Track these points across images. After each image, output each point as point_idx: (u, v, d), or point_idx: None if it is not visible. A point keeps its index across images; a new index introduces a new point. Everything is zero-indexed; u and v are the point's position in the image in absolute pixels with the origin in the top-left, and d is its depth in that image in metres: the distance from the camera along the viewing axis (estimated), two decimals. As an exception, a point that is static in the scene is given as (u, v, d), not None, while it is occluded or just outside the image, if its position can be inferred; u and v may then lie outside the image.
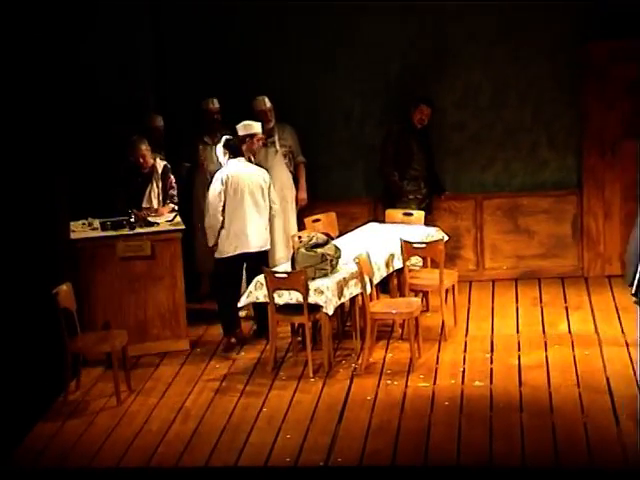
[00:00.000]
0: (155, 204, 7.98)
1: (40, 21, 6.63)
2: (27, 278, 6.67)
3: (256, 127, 7.81)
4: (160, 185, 7.96)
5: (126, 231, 7.52)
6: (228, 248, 7.57)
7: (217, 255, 7.62)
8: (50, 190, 6.96)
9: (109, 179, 7.79)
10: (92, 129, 7.87)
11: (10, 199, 6.52)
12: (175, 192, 8.04)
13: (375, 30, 8.78)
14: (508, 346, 7.48)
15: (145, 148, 7.86)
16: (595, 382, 6.76)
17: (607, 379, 6.81)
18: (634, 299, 6.42)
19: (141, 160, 7.85)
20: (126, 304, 7.52)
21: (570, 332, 7.73)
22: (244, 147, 7.68)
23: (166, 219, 7.78)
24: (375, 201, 8.92)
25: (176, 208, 7.99)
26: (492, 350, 7.42)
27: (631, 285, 6.33)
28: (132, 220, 7.54)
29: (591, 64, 8.60)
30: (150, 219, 7.71)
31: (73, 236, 7.47)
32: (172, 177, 8.04)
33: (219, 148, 7.63)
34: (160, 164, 7.97)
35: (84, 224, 7.65)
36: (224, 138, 7.65)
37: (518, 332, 7.79)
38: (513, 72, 8.77)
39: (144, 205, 7.93)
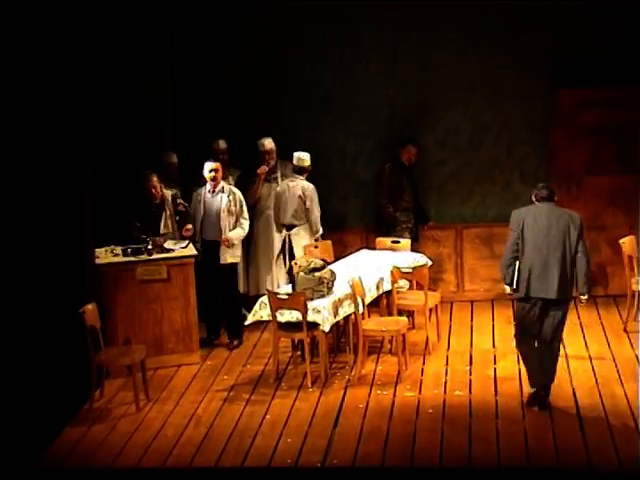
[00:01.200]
0: (171, 228, 7.96)
1: (67, 67, 6.68)
2: (57, 299, 6.72)
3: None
4: (173, 211, 7.98)
5: (144, 257, 7.55)
6: None
7: None
8: (78, 221, 7.02)
9: (125, 211, 7.84)
10: (114, 166, 7.92)
11: (43, 230, 6.58)
12: (188, 209, 8.04)
13: (367, 78, 8.91)
14: (485, 359, 7.52)
15: (156, 180, 7.86)
16: (562, 392, 6.80)
17: (573, 389, 6.86)
18: (511, 292, 6.57)
19: (153, 191, 7.84)
20: (144, 322, 7.56)
21: (540, 347, 7.85)
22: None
23: (180, 246, 7.83)
24: (367, 230, 8.96)
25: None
26: (471, 363, 7.46)
27: (510, 283, 6.55)
28: (149, 247, 7.59)
29: (559, 109, 8.70)
30: (166, 246, 7.74)
31: (98, 261, 7.50)
32: (181, 200, 8.01)
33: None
34: (168, 194, 7.98)
35: (107, 251, 7.67)
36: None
37: (494, 347, 7.83)
38: (489, 116, 8.89)
39: (162, 231, 7.95)
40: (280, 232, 8.34)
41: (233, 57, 8.88)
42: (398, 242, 8.43)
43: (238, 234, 7.99)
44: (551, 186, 6.74)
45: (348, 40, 8.88)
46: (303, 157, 8.29)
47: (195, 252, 7.77)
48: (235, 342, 8.01)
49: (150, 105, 8.49)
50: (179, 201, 7.99)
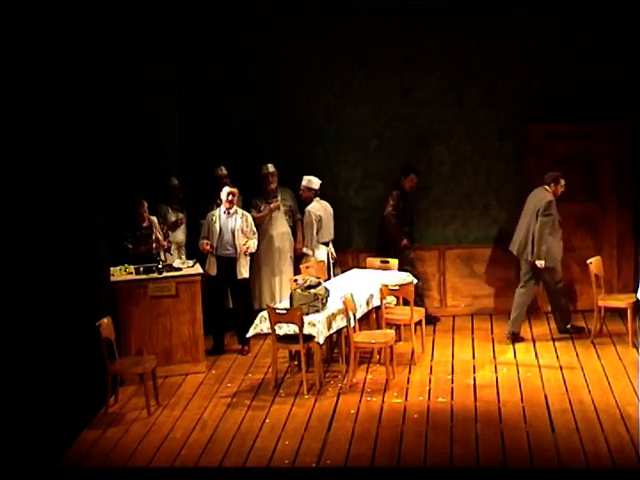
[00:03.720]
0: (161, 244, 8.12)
1: (81, 99, 6.73)
2: (76, 313, 6.77)
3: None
4: (160, 232, 8.12)
5: (155, 275, 7.60)
6: None
7: None
8: (94, 242, 7.05)
9: (119, 233, 7.82)
10: (127, 192, 8.02)
11: (63, 250, 6.62)
12: (168, 232, 8.23)
13: (358, 113, 8.98)
14: (465, 369, 7.54)
15: (146, 206, 7.99)
16: (535, 398, 6.85)
17: (545, 396, 6.90)
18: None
19: (144, 215, 7.98)
20: (155, 334, 7.59)
21: (515, 358, 7.81)
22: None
23: (187, 265, 7.90)
24: (357, 251, 9.01)
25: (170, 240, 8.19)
26: (452, 372, 7.47)
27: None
28: (160, 266, 7.65)
29: (530, 142, 8.79)
30: (175, 265, 7.82)
31: (113, 279, 7.52)
32: (162, 224, 8.18)
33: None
34: (153, 218, 8.09)
35: (121, 269, 7.70)
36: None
37: (474, 358, 7.85)
38: (469, 147, 8.97)
39: (154, 250, 8.06)
40: (312, 250, 8.39)
41: (236, 94, 8.91)
42: (387, 262, 8.47)
43: (254, 245, 8.12)
44: (551, 173, 7.99)
45: (341, 78, 8.98)
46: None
47: (201, 270, 7.84)
48: (246, 348, 8.10)
49: (160, 137, 8.57)
50: (167, 239, 8.17)
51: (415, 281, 8.18)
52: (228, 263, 8.07)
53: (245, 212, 8.20)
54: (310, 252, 8.36)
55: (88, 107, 6.84)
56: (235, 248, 8.03)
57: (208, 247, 8.04)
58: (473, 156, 8.98)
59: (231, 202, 8.06)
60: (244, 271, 8.09)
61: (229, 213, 8.07)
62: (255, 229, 8.18)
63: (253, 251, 8.13)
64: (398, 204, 8.61)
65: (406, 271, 8.35)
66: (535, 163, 8.85)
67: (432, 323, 8.68)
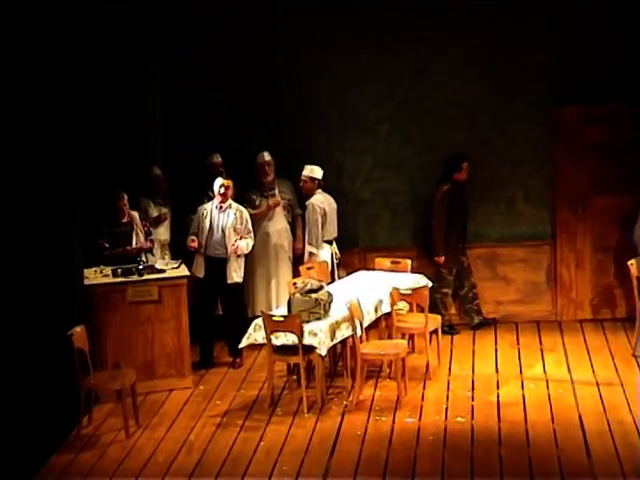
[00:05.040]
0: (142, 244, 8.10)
1: (52, 80, 6.68)
2: (45, 321, 6.72)
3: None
4: (141, 229, 8.11)
5: (135, 278, 7.58)
6: None
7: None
8: (66, 240, 7.04)
9: (93, 230, 7.82)
10: (102, 184, 7.99)
11: (29, 249, 6.57)
12: (150, 230, 8.23)
13: (365, 95, 8.97)
14: (488, 385, 7.53)
15: (126, 199, 7.96)
16: (568, 418, 6.80)
17: (579, 416, 6.85)
18: None
19: (124, 209, 7.95)
20: (135, 345, 7.58)
21: (545, 372, 7.78)
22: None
23: (172, 266, 7.87)
24: (364, 250, 9.01)
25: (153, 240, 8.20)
26: (473, 388, 7.47)
27: None
28: (140, 268, 7.61)
29: (563, 126, 8.74)
30: (157, 266, 7.79)
31: (87, 282, 7.52)
32: (143, 221, 8.18)
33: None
34: (135, 213, 8.11)
35: (96, 271, 7.70)
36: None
37: (497, 372, 7.84)
38: (491, 134, 8.92)
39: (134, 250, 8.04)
40: (318, 248, 8.38)
41: (227, 74, 8.92)
42: (398, 262, 8.46)
43: (245, 245, 8.05)
44: None
45: (345, 57, 8.94)
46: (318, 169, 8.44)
47: (188, 272, 7.81)
48: (238, 360, 8.10)
49: (140, 121, 8.52)
50: (149, 238, 8.16)
51: (430, 284, 8.15)
52: (218, 264, 8.04)
53: (241, 207, 8.16)
54: (316, 250, 8.35)
55: (56, 85, 6.82)
56: (226, 248, 8.01)
57: (194, 244, 8.00)
58: (497, 143, 8.95)
59: (224, 195, 8.03)
60: (235, 275, 8.07)
61: (222, 208, 8.04)
62: (251, 227, 8.15)
63: (245, 252, 8.12)
64: (450, 204, 8.55)
65: (440, 291, 8.50)
66: (568, 150, 8.82)
67: (491, 324, 8.65)
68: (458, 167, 8.60)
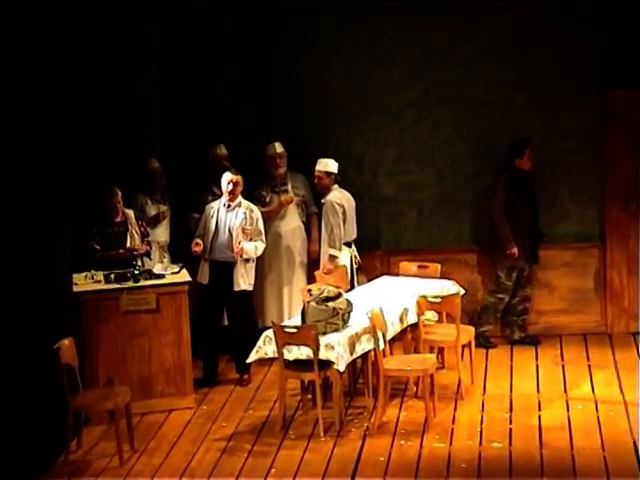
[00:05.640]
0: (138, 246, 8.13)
1: (34, 57, 6.70)
2: (28, 332, 6.73)
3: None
4: (139, 231, 8.15)
5: (130, 284, 7.59)
6: None
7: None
8: (52, 242, 7.05)
9: (83, 230, 7.88)
10: (94, 181, 8.04)
11: (11, 250, 6.59)
12: (147, 231, 8.27)
13: (389, 77, 8.97)
14: (528, 406, 7.49)
15: (120, 196, 8.00)
16: (621, 445, 6.75)
17: (634, 442, 6.79)
18: None
19: (117, 207, 7.98)
20: (130, 359, 7.58)
21: (593, 392, 7.74)
22: None
23: (172, 271, 7.88)
24: (388, 253, 9.03)
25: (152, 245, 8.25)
26: (511, 410, 7.43)
27: None
28: (136, 273, 7.63)
29: (613, 113, 8.70)
30: (155, 271, 7.82)
31: (75, 289, 7.53)
32: (140, 220, 8.23)
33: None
34: (130, 211, 8.15)
35: (87, 276, 7.71)
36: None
37: (538, 391, 7.80)
38: (532, 121, 8.88)
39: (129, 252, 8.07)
40: (340, 250, 8.38)
41: (231, 56, 8.94)
42: (426, 267, 8.46)
43: (252, 248, 8.05)
44: None
45: (367, 34, 8.93)
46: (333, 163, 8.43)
47: (189, 278, 7.84)
48: (246, 377, 8.13)
49: (136, 109, 8.53)
50: (145, 240, 8.19)
51: (462, 291, 8.14)
52: (224, 270, 8.06)
53: (252, 206, 8.18)
54: (338, 253, 8.36)
55: (43, 68, 6.84)
56: (233, 251, 8.02)
57: (199, 248, 8.01)
58: (538, 131, 8.90)
59: (232, 193, 8.04)
60: (242, 281, 8.08)
61: (230, 207, 8.05)
62: (262, 228, 8.17)
63: (253, 256, 8.11)
64: (510, 196, 8.51)
65: (495, 296, 8.50)
66: (619, 140, 8.76)
67: (533, 343, 8.63)
68: (520, 153, 8.53)
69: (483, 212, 8.94)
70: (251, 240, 8.07)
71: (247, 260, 8.06)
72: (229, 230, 8.04)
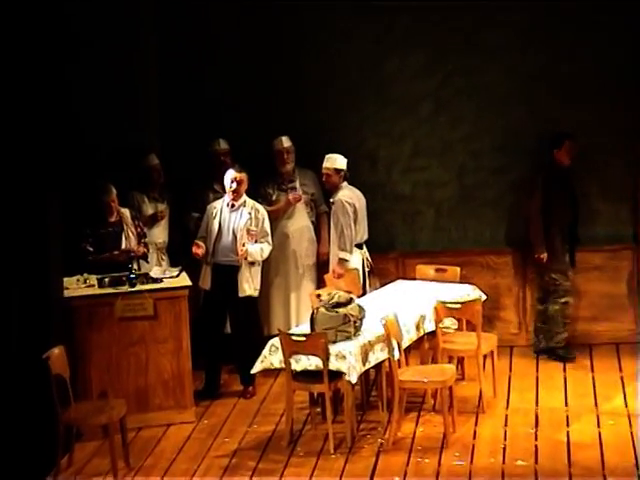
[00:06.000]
0: (134, 248, 8.16)
1: (19, 40, 6.72)
2: (15, 341, 6.73)
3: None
4: (135, 232, 8.17)
5: (126, 288, 7.60)
6: None
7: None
8: (41, 243, 7.04)
9: (76, 231, 7.91)
10: (87, 178, 8.06)
11: None
12: (144, 231, 8.28)
13: (405, 65, 8.96)
14: (555, 421, 7.49)
15: (115, 194, 8.02)
16: None
17: None
18: None
19: (112, 205, 8.01)
20: (125, 370, 7.59)
21: (626, 405, 7.71)
22: None
23: (171, 275, 7.89)
24: (403, 255, 9.04)
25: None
26: (537, 425, 7.43)
27: None
28: (132, 276, 7.63)
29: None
30: (153, 275, 7.82)
31: (67, 294, 7.53)
32: (138, 221, 8.28)
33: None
34: (125, 210, 8.18)
35: (79, 280, 7.73)
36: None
37: (566, 405, 7.80)
38: (561, 114, 8.84)
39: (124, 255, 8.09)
40: (351, 253, 8.37)
41: (234, 42, 8.94)
42: (445, 270, 8.46)
43: (258, 250, 8.05)
44: None
45: (381, 20, 8.89)
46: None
47: (189, 282, 7.85)
48: (251, 389, 8.16)
49: (132, 100, 8.54)
50: (142, 241, 8.21)
51: (484, 297, 8.14)
52: (228, 273, 8.06)
53: (258, 205, 8.21)
54: (349, 256, 8.37)
55: (30, 54, 6.81)
56: (237, 254, 8.03)
57: (199, 250, 8.01)
58: (566, 124, 8.82)
59: (236, 192, 8.04)
60: (247, 286, 8.08)
61: (234, 206, 8.07)
62: (269, 229, 8.19)
63: (258, 259, 8.12)
64: (548, 192, 8.50)
65: (557, 302, 8.50)
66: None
67: (564, 359, 8.59)
68: (559, 143, 8.51)
69: (506, 211, 8.95)
70: (257, 242, 8.07)
71: (252, 263, 8.06)
72: (233, 231, 8.05)
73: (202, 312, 8.17)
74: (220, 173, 8.40)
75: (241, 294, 8.05)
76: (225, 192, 8.19)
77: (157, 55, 8.81)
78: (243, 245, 7.97)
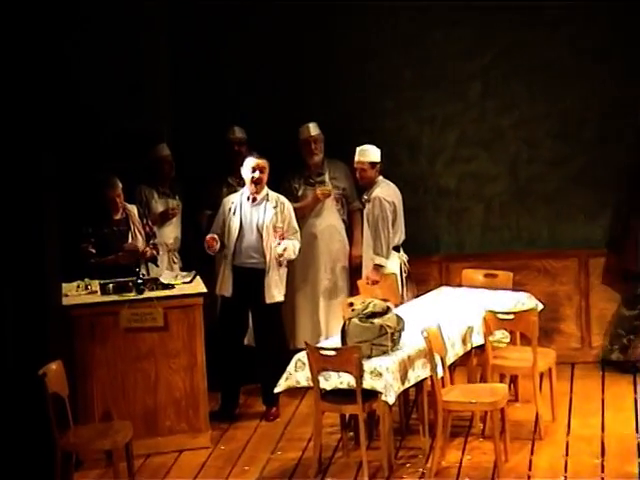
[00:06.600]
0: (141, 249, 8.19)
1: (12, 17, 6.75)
2: (7, 355, 6.75)
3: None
4: (143, 232, 8.22)
5: (132, 295, 7.63)
6: None
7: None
8: (37, 246, 7.03)
9: (77, 230, 7.98)
10: (88, 171, 8.12)
11: None
12: (154, 231, 8.32)
13: (450, 42, 8.95)
14: (624, 450, 7.43)
15: (121, 188, 8.06)
16: None
17: None
18: None
19: (117, 201, 8.05)
20: (132, 388, 7.61)
21: None
22: None
23: (183, 280, 7.91)
24: (448, 259, 9.05)
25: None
26: (603, 454, 7.38)
27: None
28: (140, 282, 7.65)
29: None
30: (162, 279, 7.84)
31: (65, 301, 7.57)
32: (147, 220, 8.33)
33: None
34: (132, 207, 8.24)
35: (80, 286, 7.77)
36: None
37: (638, 432, 7.73)
38: (630, 95, 8.79)
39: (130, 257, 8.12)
40: (388, 258, 8.41)
41: (253, 19, 8.95)
42: (495, 275, 8.45)
43: (293, 248, 8.09)
44: None
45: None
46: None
47: (205, 289, 7.86)
48: (274, 410, 8.17)
49: (140, 83, 8.57)
50: (151, 242, 8.25)
51: (540, 306, 8.14)
52: (251, 278, 8.07)
53: (282, 197, 8.22)
54: (384, 262, 8.41)
55: (24, 29, 6.82)
56: (263, 255, 7.99)
57: (216, 244, 7.97)
58: (633, 108, 8.84)
59: (259, 182, 8.01)
60: (277, 292, 8.12)
61: (255, 200, 8.03)
62: (296, 224, 8.22)
63: (293, 257, 8.17)
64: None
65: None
66: None
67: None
68: None
69: (566, 208, 8.94)
70: (283, 239, 8.08)
71: (280, 265, 8.08)
72: (257, 229, 8.04)
73: (220, 322, 8.20)
74: (235, 165, 8.44)
75: (268, 300, 8.06)
76: (241, 186, 8.21)
77: (169, 32, 8.87)
78: (281, 247, 7.96)
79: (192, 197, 8.72)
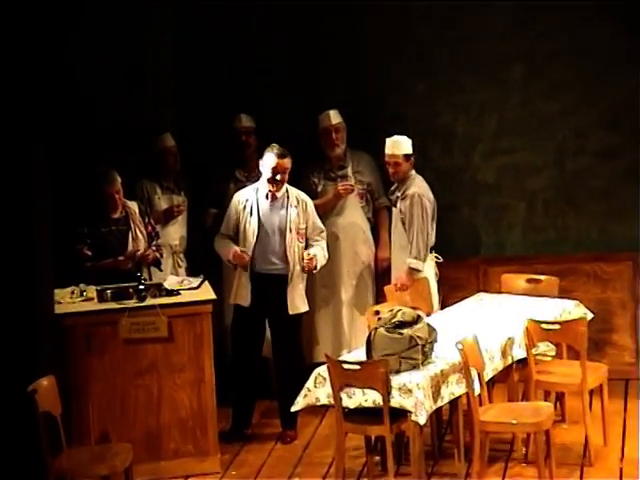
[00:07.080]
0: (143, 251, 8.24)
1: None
2: None
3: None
4: (142, 229, 8.25)
5: (133, 302, 7.65)
6: None
7: None
8: (27, 248, 7.06)
9: (72, 231, 8.04)
10: (85, 164, 8.17)
11: None
12: (157, 231, 8.36)
13: (489, 20, 8.96)
14: None
15: (120, 184, 8.08)
16: None
17: None
18: None
19: (116, 198, 8.07)
20: (132, 406, 7.63)
21: None
22: None
23: (190, 285, 7.91)
24: (486, 262, 9.07)
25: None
26: None
27: None
28: (141, 288, 7.67)
29: None
30: (166, 285, 7.86)
31: (58, 309, 7.59)
32: (149, 218, 8.36)
33: None
34: (133, 204, 8.29)
35: (74, 293, 7.79)
36: None
37: None
38: None
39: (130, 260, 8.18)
40: (424, 262, 8.44)
41: None
42: (538, 281, 8.45)
43: (323, 254, 8.15)
44: None
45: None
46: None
47: (214, 295, 7.87)
48: (291, 432, 8.22)
49: (142, 70, 8.66)
50: (154, 243, 8.29)
51: (590, 315, 8.15)
52: (273, 286, 8.09)
53: (302, 194, 8.24)
54: (421, 266, 8.47)
55: (23, 22, 6.90)
56: (286, 260, 8.03)
57: (247, 259, 7.97)
58: None
59: (279, 182, 8.02)
60: (301, 302, 8.17)
61: (275, 198, 8.02)
62: (321, 223, 8.27)
63: (323, 264, 8.20)
64: None
65: None
66: None
67: None
68: None
69: (619, 205, 8.92)
70: (308, 245, 8.11)
71: (310, 272, 8.13)
72: (280, 231, 8.05)
73: (233, 333, 8.22)
74: (243, 157, 8.49)
75: (292, 312, 8.10)
76: (250, 181, 8.26)
77: (173, 14, 8.93)
78: (309, 255, 7.99)
79: (199, 193, 8.76)
